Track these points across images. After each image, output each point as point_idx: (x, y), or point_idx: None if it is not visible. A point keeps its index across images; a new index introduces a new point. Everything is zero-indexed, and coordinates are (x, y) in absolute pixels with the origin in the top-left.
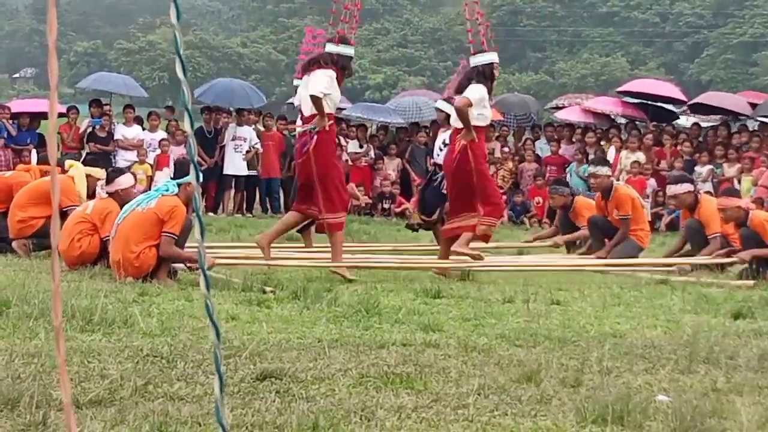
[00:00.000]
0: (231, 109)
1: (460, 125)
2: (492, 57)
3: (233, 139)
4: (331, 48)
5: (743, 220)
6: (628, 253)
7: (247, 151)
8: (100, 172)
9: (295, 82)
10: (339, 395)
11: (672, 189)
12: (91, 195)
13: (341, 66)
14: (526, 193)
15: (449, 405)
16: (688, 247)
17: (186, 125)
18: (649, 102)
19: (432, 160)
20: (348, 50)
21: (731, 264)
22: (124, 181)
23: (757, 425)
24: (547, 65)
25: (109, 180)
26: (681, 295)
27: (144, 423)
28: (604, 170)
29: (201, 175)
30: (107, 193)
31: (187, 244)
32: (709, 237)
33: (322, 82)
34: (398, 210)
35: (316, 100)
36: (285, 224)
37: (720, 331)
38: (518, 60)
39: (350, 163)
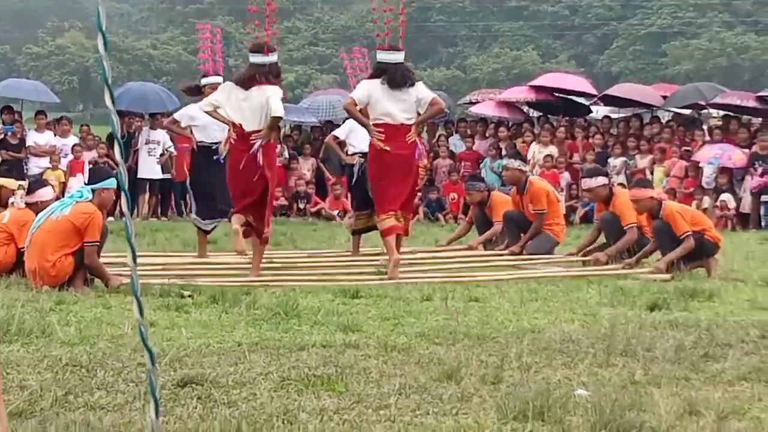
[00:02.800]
0: (144, 113)
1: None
2: (394, 57)
3: (147, 143)
4: (264, 59)
5: (656, 211)
6: (544, 247)
7: (161, 155)
8: (11, 183)
9: (206, 80)
10: (261, 399)
11: (587, 182)
12: (2, 206)
13: (277, 74)
14: (441, 189)
15: (371, 406)
16: (601, 239)
17: (117, 154)
18: (561, 95)
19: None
20: (276, 57)
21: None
22: (45, 194)
23: (675, 416)
24: (459, 60)
25: (31, 191)
26: (598, 289)
27: None
28: (516, 163)
29: (116, 180)
30: (26, 203)
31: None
32: (625, 227)
33: (279, 99)
34: (314, 209)
35: (277, 120)
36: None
37: (637, 323)
38: (430, 56)
39: None
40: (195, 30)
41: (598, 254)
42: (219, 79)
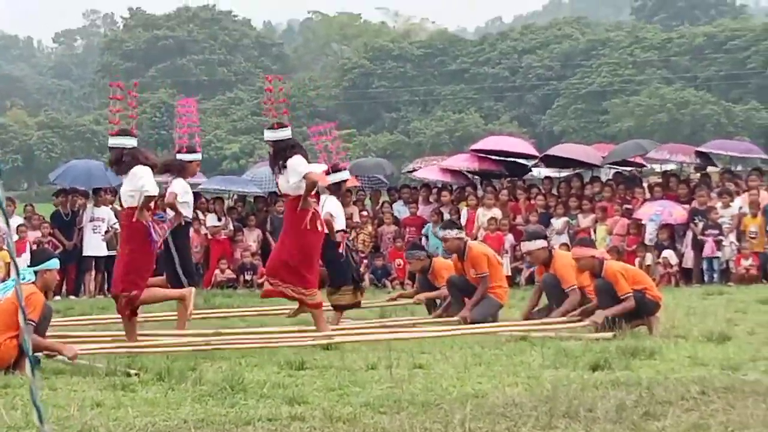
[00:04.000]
0: (87, 190)
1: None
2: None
3: (91, 221)
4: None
5: (598, 270)
6: (489, 311)
7: (106, 232)
8: None
9: (191, 156)
10: None
11: (526, 246)
12: None
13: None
14: (387, 255)
15: None
16: (544, 300)
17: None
18: (502, 158)
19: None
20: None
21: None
22: None
23: None
24: (403, 125)
25: None
26: (540, 351)
27: None
28: (454, 233)
29: (59, 261)
30: None
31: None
32: (566, 290)
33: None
34: (261, 281)
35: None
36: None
37: (579, 384)
38: (373, 122)
39: (210, 236)
40: (138, 103)
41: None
42: (198, 155)
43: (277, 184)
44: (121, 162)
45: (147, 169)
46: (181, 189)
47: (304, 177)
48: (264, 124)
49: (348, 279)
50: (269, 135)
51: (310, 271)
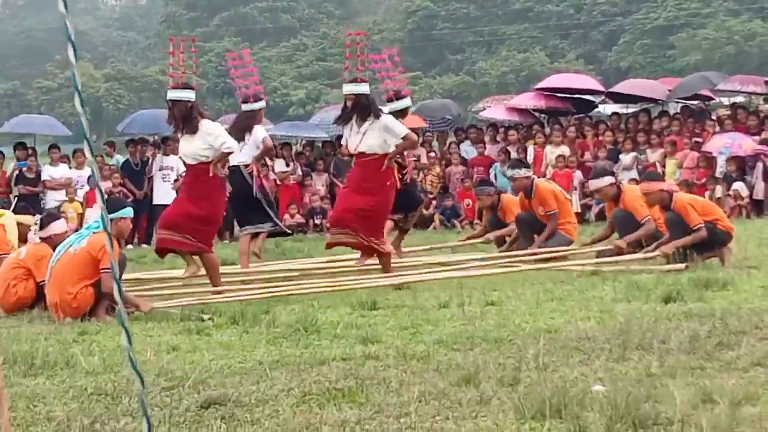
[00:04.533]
0: (155, 139)
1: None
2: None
3: (160, 169)
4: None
5: (667, 203)
6: (559, 246)
7: (176, 180)
8: (29, 219)
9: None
10: (283, 415)
11: (593, 184)
12: (23, 242)
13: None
14: (456, 196)
15: (392, 415)
16: (615, 235)
17: (87, 153)
18: (569, 95)
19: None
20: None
21: (660, 256)
22: (58, 227)
23: (690, 406)
24: (468, 66)
25: (43, 225)
26: (612, 285)
27: None
28: (522, 172)
29: (132, 209)
30: (40, 238)
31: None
32: (641, 221)
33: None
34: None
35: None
36: None
37: (651, 316)
38: (438, 63)
39: (278, 182)
40: (203, 53)
41: (617, 241)
42: (263, 103)
43: (350, 141)
44: (191, 117)
45: (218, 125)
46: (266, 134)
47: (404, 137)
48: (329, 69)
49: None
50: (350, 88)
51: (382, 224)
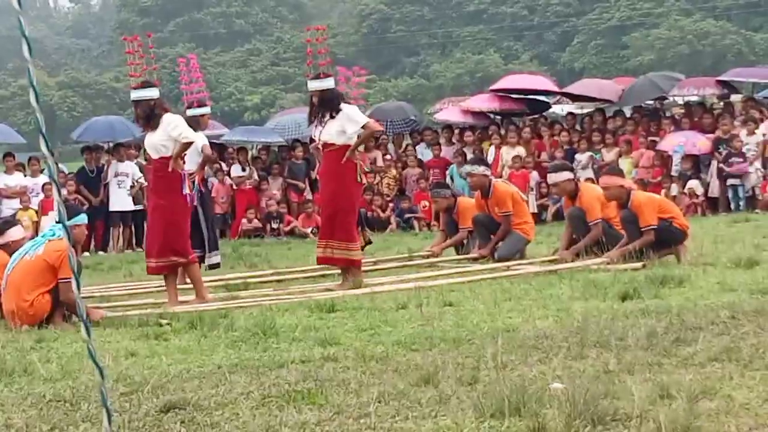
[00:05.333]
0: (110, 146)
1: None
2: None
3: (116, 176)
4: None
5: (625, 200)
6: (515, 246)
7: (131, 186)
8: None
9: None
10: (243, 418)
11: (552, 177)
12: None
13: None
14: (412, 198)
15: (351, 415)
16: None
17: (43, 147)
18: (523, 96)
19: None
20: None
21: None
22: (15, 233)
23: (648, 401)
24: (423, 68)
25: (0, 232)
26: (569, 283)
27: None
28: (480, 169)
29: (86, 216)
30: None
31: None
32: (590, 224)
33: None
34: (287, 229)
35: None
36: None
37: (609, 314)
38: (393, 66)
39: (235, 187)
40: (157, 59)
41: (563, 252)
42: (207, 109)
43: (316, 134)
44: (153, 115)
45: (179, 117)
46: (206, 141)
47: (364, 126)
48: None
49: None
50: (315, 84)
51: (355, 223)
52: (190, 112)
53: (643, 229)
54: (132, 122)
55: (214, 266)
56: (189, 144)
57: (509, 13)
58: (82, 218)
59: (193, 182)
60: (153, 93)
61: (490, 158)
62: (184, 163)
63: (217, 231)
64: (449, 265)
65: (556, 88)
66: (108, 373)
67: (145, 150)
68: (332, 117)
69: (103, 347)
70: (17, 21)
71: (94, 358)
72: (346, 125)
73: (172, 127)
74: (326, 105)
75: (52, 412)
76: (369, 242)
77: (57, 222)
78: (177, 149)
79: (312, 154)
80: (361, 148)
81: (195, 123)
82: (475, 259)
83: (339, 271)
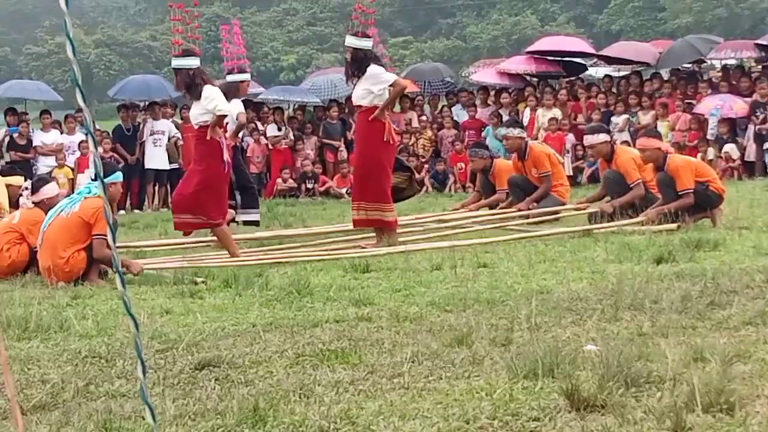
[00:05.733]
0: (145, 103)
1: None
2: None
3: (151, 134)
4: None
5: (661, 163)
6: (550, 208)
7: (167, 143)
8: (18, 180)
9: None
10: (277, 376)
11: (589, 139)
12: (13, 204)
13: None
14: (448, 160)
15: (385, 375)
16: (607, 197)
17: (80, 100)
18: (559, 59)
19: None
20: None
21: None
22: (49, 190)
23: (682, 364)
24: (459, 30)
25: (35, 190)
26: (604, 246)
27: (88, 422)
28: (516, 132)
29: (122, 174)
30: (33, 202)
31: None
32: (630, 185)
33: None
34: (322, 189)
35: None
36: None
37: (643, 277)
38: (429, 27)
39: (270, 147)
40: (195, 18)
41: (603, 205)
42: (247, 75)
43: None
44: (194, 84)
45: (216, 89)
46: (242, 109)
47: (392, 84)
48: (319, 34)
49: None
50: (352, 41)
51: (387, 183)
52: (230, 78)
53: (680, 192)
54: (168, 81)
55: (250, 223)
56: (224, 116)
57: None
58: (118, 176)
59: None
60: (193, 62)
61: (525, 120)
62: (225, 132)
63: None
64: (487, 220)
65: (592, 51)
66: (143, 330)
67: (181, 109)
68: (358, 78)
69: (138, 305)
70: None
71: (129, 310)
72: (372, 86)
73: (209, 101)
74: (355, 64)
75: (87, 368)
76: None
77: (93, 179)
78: (213, 121)
79: (348, 114)
80: (397, 108)
81: (234, 89)
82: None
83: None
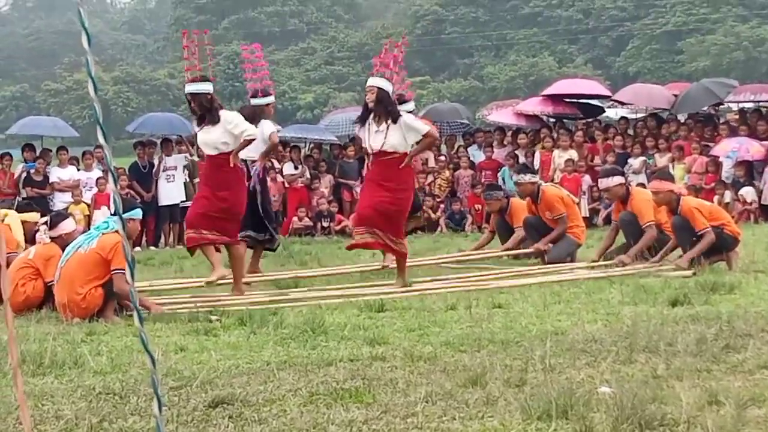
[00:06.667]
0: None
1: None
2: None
3: (164, 170)
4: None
5: (675, 205)
6: (567, 250)
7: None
8: (34, 216)
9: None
10: (290, 415)
11: (603, 182)
12: (29, 240)
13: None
14: (464, 200)
15: (398, 415)
16: (621, 239)
17: (100, 137)
18: (576, 101)
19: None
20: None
21: (674, 269)
22: (67, 226)
23: (696, 407)
24: (476, 70)
25: (53, 225)
26: (619, 288)
27: None
28: (527, 177)
29: (141, 211)
30: (50, 237)
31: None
32: (643, 227)
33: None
34: (338, 227)
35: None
36: None
37: (658, 319)
38: (447, 68)
39: (287, 185)
40: (212, 56)
41: (621, 257)
42: (272, 98)
43: (368, 139)
44: (213, 109)
45: (237, 114)
46: (274, 129)
47: (425, 134)
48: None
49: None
50: (377, 81)
51: (403, 222)
52: (254, 101)
53: (699, 233)
54: (188, 119)
55: (270, 249)
56: (251, 141)
57: (564, 17)
58: (137, 213)
59: (254, 169)
60: (209, 87)
61: (539, 161)
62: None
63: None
64: (501, 265)
65: (608, 93)
66: (158, 367)
67: (197, 146)
68: (390, 124)
69: (153, 342)
70: (73, 16)
71: (146, 347)
72: (408, 134)
73: (234, 125)
74: (383, 106)
75: (101, 405)
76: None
77: (112, 214)
78: (239, 146)
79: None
80: None
81: (260, 112)
82: (529, 254)
83: (390, 271)
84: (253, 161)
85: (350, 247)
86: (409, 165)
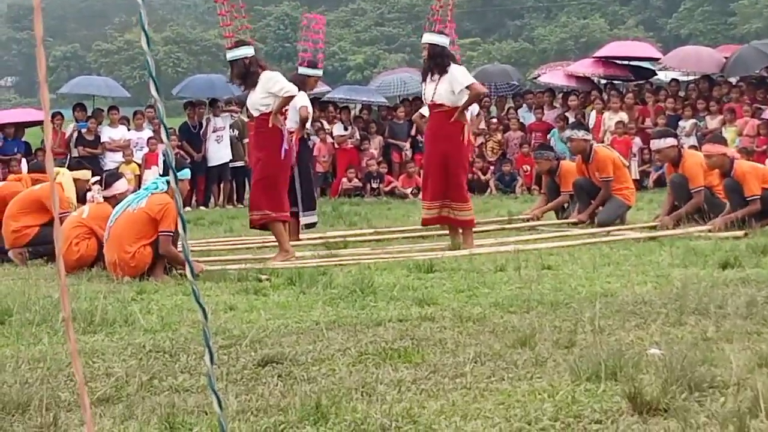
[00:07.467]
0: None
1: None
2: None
3: (214, 131)
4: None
5: (728, 168)
6: (615, 212)
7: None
8: (86, 174)
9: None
10: (339, 374)
11: (655, 144)
12: (80, 198)
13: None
14: (514, 162)
15: (447, 375)
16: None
17: (153, 91)
18: (627, 63)
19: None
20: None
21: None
22: (121, 186)
23: (746, 370)
24: (527, 32)
25: (107, 185)
26: (669, 250)
27: (152, 416)
28: (580, 134)
29: (190, 171)
30: (104, 197)
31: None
32: (692, 191)
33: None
34: (387, 188)
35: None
36: None
37: (708, 281)
38: (497, 29)
39: (336, 146)
40: (261, 17)
41: (665, 218)
42: (319, 71)
43: (425, 92)
44: (249, 73)
45: (277, 73)
46: (307, 102)
47: (468, 87)
48: (387, 34)
49: None
50: (430, 37)
51: (465, 181)
52: (301, 70)
53: (748, 199)
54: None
55: (309, 226)
56: (290, 98)
57: None
58: (186, 173)
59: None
60: (248, 51)
61: (590, 123)
62: (285, 119)
63: (318, 190)
64: (549, 229)
65: (659, 55)
66: (208, 326)
67: (247, 108)
68: (440, 76)
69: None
70: None
71: (198, 299)
72: (454, 85)
73: (272, 83)
74: (433, 60)
75: (151, 362)
76: None
77: (162, 173)
78: (277, 104)
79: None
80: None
81: (301, 82)
82: (574, 224)
83: (443, 231)
84: (290, 131)
85: (424, 223)
86: (459, 121)
